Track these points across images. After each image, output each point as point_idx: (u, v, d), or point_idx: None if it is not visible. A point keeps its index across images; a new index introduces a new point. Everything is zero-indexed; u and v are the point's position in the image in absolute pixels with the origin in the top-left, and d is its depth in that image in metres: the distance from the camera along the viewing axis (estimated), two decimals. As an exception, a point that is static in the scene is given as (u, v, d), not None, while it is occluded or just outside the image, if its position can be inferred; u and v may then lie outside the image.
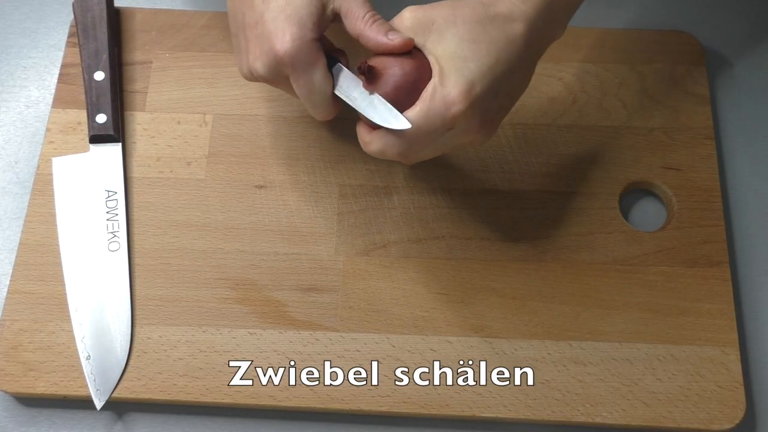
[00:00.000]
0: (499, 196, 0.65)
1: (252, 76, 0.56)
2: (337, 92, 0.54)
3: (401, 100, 0.52)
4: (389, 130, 0.52)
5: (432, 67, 0.52)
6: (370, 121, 0.53)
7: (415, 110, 0.51)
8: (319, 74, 0.53)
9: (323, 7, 0.53)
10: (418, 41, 0.52)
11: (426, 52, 0.52)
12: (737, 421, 0.58)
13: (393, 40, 0.52)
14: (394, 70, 0.52)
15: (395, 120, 0.51)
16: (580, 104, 0.68)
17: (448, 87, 0.51)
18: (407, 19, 0.53)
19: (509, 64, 0.52)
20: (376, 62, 0.53)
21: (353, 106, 0.54)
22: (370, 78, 0.52)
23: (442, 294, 0.62)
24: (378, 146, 0.53)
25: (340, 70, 0.55)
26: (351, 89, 0.54)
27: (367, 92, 0.53)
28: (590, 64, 0.69)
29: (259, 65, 0.54)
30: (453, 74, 0.51)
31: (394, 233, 0.64)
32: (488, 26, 0.52)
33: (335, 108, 0.56)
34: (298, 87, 0.54)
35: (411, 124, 0.51)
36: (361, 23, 0.53)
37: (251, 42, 0.54)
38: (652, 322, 0.61)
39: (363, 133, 0.54)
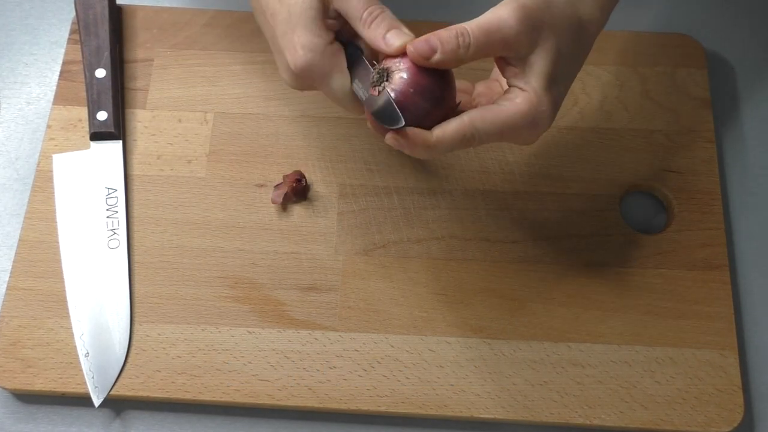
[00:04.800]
0: (499, 197, 0.65)
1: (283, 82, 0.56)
2: (354, 89, 0.52)
3: (409, 103, 0.49)
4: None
5: (521, 81, 0.50)
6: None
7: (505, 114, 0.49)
8: (336, 80, 0.52)
9: (325, 9, 0.52)
10: (520, 51, 0.49)
11: (524, 64, 0.49)
12: (735, 425, 0.58)
13: (390, 45, 0.49)
14: (402, 74, 0.49)
15: (393, 123, 0.49)
16: (581, 106, 0.68)
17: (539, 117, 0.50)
18: (513, 21, 0.48)
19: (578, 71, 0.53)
20: (390, 63, 0.50)
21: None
22: (378, 80, 0.50)
23: (441, 294, 0.62)
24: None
25: (360, 63, 0.52)
26: (362, 89, 0.52)
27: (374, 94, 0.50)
28: (592, 66, 0.69)
29: (286, 78, 0.54)
30: (540, 94, 0.50)
31: (394, 233, 0.64)
32: (577, 36, 0.51)
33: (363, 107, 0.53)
34: (324, 93, 0.53)
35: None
36: (359, 24, 0.51)
37: (276, 55, 0.54)
38: (651, 324, 0.61)
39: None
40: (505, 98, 0.50)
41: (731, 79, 0.72)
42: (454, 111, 0.51)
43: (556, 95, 0.51)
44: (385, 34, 0.50)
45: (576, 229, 0.64)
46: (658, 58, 0.70)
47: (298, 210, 0.65)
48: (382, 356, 0.60)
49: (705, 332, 0.60)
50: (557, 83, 0.51)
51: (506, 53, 0.50)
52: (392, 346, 0.60)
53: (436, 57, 0.48)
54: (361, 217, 0.64)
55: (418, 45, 0.48)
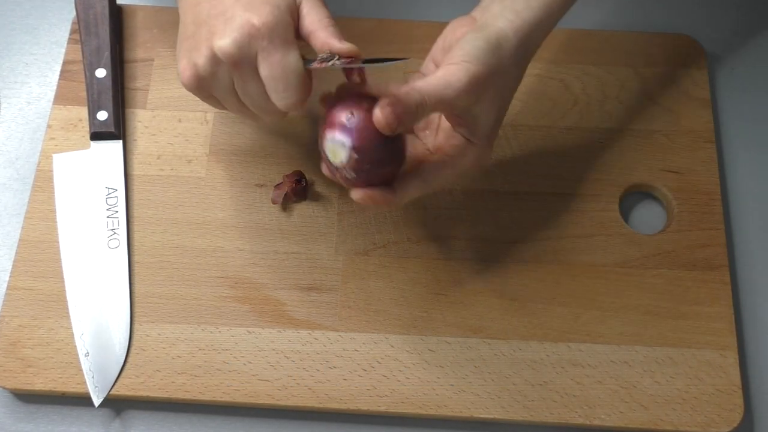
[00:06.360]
0: (499, 197, 0.65)
1: (208, 63, 0.52)
2: (315, 65, 0.52)
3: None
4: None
5: (467, 132, 0.53)
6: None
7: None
8: (294, 54, 0.51)
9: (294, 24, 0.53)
10: (466, 105, 0.51)
11: (470, 116, 0.52)
12: (735, 425, 0.58)
13: (343, 43, 0.52)
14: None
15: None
16: (581, 106, 0.68)
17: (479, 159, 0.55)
18: (464, 93, 0.50)
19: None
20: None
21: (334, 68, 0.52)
22: (328, 58, 0.52)
23: (441, 294, 0.62)
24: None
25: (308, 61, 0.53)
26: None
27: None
28: (592, 67, 0.70)
29: (227, 42, 0.51)
30: (484, 143, 0.55)
31: (394, 233, 0.64)
32: (517, 80, 0.56)
33: (306, 92, 0.53)
34: (270, 65, 0.51)
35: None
36: (317, 23, 0.53)
37: (217, 26, 0.51)
38: (650, 324, 0.61)
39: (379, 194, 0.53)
40: (455, 149, 0.54)
41: (731, 79, 0.72)
42: (405, 146, 0.53)
43: (495, 135, 0.56)
44: (340, 38, 0.52)
45: (576, 229, 0.64)
46: (658, 59, 0.70)
47: (298, 210, 0.65)
48: (382, 356, 0.60)
49: (705, 332, 0.60)
50: (498, 124, 0.55)
51: (451, 111, 0.53)
52: (392, 346, 0.60)
53: (398, 130, 0.50)
54: (361, 217, 0.64)
55: (387, 116, 0.49)
